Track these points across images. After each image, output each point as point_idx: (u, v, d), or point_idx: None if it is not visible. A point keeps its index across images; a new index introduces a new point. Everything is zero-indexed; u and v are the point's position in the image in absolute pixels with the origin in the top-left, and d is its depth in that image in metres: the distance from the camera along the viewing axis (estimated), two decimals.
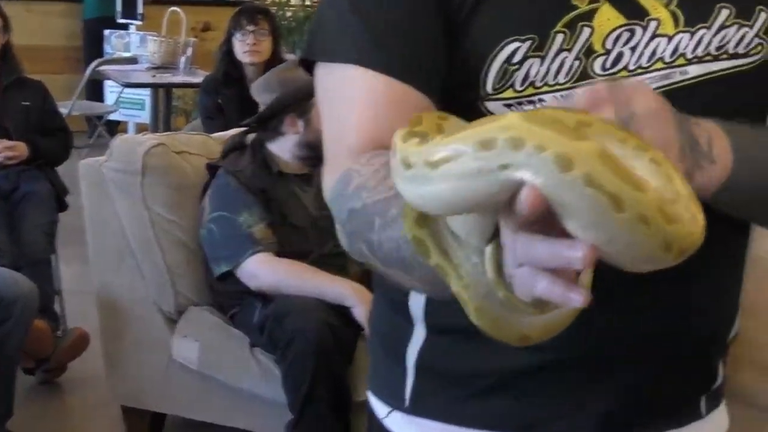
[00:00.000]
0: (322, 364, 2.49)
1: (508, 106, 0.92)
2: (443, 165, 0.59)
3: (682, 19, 0.93)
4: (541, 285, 0.59)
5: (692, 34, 0.93)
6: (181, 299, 2.84)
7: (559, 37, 0.91)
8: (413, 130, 0.66)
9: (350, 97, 0.92)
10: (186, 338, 2.80)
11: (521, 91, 0.92)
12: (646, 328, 0.98)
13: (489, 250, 0.65)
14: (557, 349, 0.90)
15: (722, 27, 0.93)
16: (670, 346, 1.01)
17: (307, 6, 6.58)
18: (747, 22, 0.94)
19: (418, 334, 1.04)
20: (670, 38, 0.93)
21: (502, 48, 0.91)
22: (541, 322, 0.70)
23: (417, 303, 1.03)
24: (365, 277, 2.60)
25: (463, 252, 0.69)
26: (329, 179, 0.90)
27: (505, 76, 0.91)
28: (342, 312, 2.59)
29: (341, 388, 2.54)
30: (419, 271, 0.76)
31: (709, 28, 0.93)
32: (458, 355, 1.02)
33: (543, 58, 0.91)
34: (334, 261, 2.71)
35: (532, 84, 0.92)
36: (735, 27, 0.94)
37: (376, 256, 0.81)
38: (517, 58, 0.91)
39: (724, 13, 0.94)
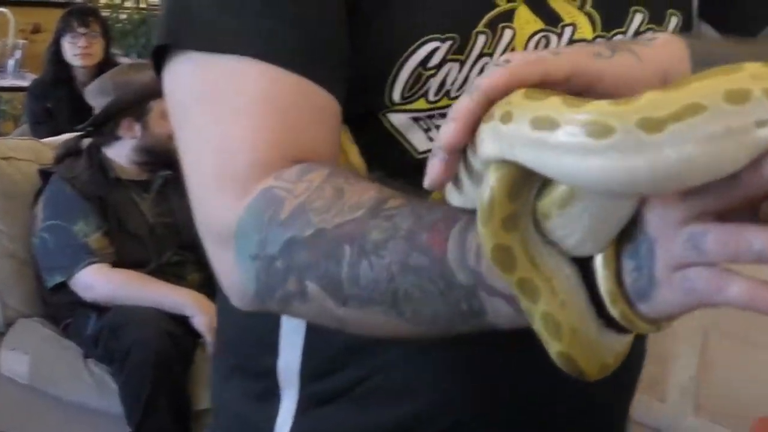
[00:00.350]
0: (162, 374, 2.45)
1: (416, 120, 0.79)
2: (672, 125, 0.46)
3: (599, 22, 0.85)
4: (737, 287, 0.48)
5: (609, 39, 0.85)
6: (9, 311, 2.75)
7: (481, 39, 0.79)
8: (566, 97, 0.51)
9: (245, 98, 0.73)
10: (14, 351, 2.71)
11: (434, 102, 0.78)
12: (562, 383, 0.85)
13: (602, 256, 0.55)
14: (467, 409, 0.85)
15: (637, 32, 0.87)
16: (592, 399, 0.90)
17: (142, 9, 6.45)
18: (660, 27, 0.89)
19: (287, 406, 0.88)
20: (590, 43, 0.84)
21: (417, 48, 0.77)
22: (615, 348, 0.59)
23: (290, 363, 0.86)
24: (204, 284, 2.58)
25: (554, 261, 0.56)
26: (225, 203, 0.71)
27: (417, 83, 0.77)
28: (180, 320, 2.56)
29: (181, 398, 2.50)
30: (413, 305, 0.62)
31: (624, 33, 0.86)
32: (345, 425, 0.87)
33: (462, 63, 0.78)
34: (173, 270, 2.68)
35: (447, 94, 0.78)
36: (650, 33, 0.86)
37: (338, 295, 0.65)
38: (434, 61, 0.77)
39: (639, 17, 0.87)
